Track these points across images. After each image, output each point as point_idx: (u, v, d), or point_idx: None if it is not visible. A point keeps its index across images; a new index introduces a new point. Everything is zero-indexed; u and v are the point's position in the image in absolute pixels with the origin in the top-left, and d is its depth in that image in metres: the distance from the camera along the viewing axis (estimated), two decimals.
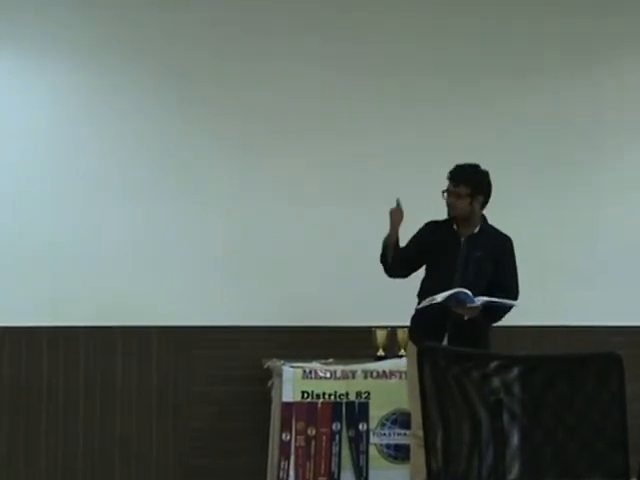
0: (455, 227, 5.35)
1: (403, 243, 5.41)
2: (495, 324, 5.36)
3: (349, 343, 6.19)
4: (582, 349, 6.15)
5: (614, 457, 3.01)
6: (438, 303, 5.07)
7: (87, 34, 6.22)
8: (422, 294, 5.30)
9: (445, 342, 5.20)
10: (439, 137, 6.45)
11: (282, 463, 5.84)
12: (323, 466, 5.88)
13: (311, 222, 6.33)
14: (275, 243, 6.32)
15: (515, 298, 5.28)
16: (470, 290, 5.11)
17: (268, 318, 6.24)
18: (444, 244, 5.33)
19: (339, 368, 5.94)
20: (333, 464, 5.89)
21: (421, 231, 5.45)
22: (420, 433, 5.19)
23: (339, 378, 5.91)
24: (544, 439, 3.12)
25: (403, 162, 6.40)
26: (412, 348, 5.35)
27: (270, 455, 5.96)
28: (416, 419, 5.34)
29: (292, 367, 5.90)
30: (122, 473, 6.20)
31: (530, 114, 6.61)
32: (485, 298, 5.11)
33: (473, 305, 5.10)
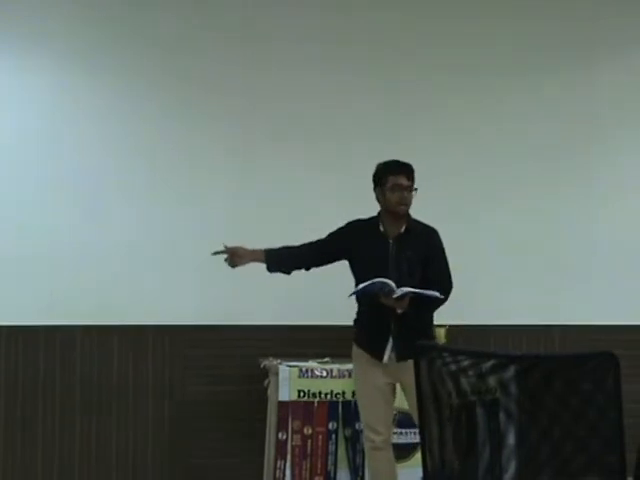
0: (382, 228, 5.22)
1: None
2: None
3: (345, 342, 6.17)
4: (578, 348, 6.19)
5: (610, 456, 3.01)
6: (359, 291, 5.00)
7: (86, 35, 6.22)
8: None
9: (390, 342, 5.14)
10: (439, 137, 6.46)
11: (278, 462, 5.84)
12: (319, 465, 5.88)
13: (309, 221, 6.33)
14: (272, 242, 6.31)
15: (448, 291, 5.15)
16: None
17: (265, 317, 6.25)
18: (371, 245, 5.18)
19: (335, 367, 5.95)
20: (329, 463, 5.89)
21: (343, 231, 5.31)
22: (372, 436, 5.25)
23: (335, 377, 5.91)
24: (540, 438, 3.12)
25: None
26: (357, 351, 5.32)
27: (266, 454, 5.95)
28: (364, 422, 5.33)
29: (288, 366, 5.91)
30: (118, 472, 6.20)
31: (529, 113, 6.62)
32: (406, 289, 4.97)
33: (397, 295, 4.96)
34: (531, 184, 6.63)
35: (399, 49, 6.48)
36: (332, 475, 5.89)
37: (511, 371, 3.14)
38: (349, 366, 5.90)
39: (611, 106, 6.71)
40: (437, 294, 5.02)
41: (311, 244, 5.34)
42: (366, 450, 5.40)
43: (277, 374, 5.88)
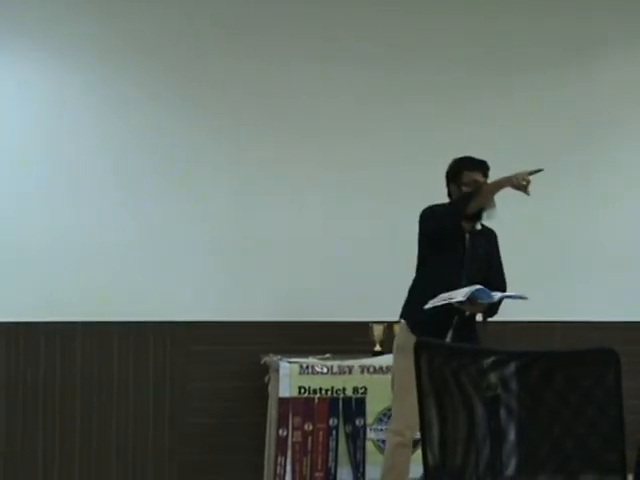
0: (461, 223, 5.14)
1: None
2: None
3: (346, 338, 6.19)
4: (578, 345, 6.19)
5: (610, 453, 3.01)
6: (457, 302, 4.82)
7: (86, 31, 6.22)
8: (424, 290, 5.01)
9: (450, 334, 5.04)
10: (438, 136, 6.45)
11: (279, 458, 5.85)
12: (320, 461, 5.88)
13: (309, 218, 6.34)
14: (272, 238, 6.32)
15: (504, 291, 5.12)
16: None
17: (265, 313, 6.25)
18: (451, 239, 5.09)
19: (336, 363, 5.94)
20: (330, 459, 5.89)
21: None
22: (405, 431, 5.08)
23: (336, 373, 5.92)
24: (540, 435, 3.11)
25: (404, 161, 6.40)
26: (411, 340, 5.08)
27: (267, 451, 5.96)
28: (403, 417, 5.03)
29: (289, 362, 5.91)
30: (119, 468, 6.21)
31: (529, 113, 6.62)
32: (500, 294, 4.94)
33: (486, 302, 4.88)
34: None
35: (400, 46, 6.47)
36: (333, 471, 5.89)
37: (511, 367, 3.13)
38: (349, 362, 5.91)
39: (611, 104, 6.70)
40: (525, 296, 4.92)
41: None
42: (390, 445, 5.14)
43: (278, 370, 5.88)
